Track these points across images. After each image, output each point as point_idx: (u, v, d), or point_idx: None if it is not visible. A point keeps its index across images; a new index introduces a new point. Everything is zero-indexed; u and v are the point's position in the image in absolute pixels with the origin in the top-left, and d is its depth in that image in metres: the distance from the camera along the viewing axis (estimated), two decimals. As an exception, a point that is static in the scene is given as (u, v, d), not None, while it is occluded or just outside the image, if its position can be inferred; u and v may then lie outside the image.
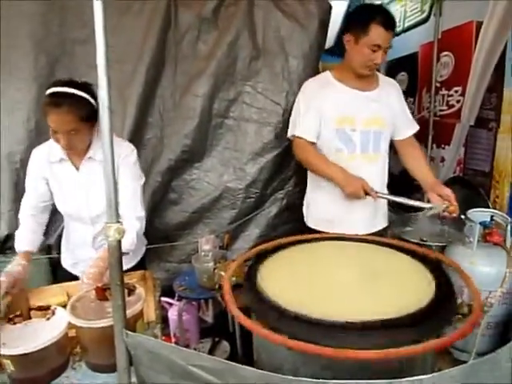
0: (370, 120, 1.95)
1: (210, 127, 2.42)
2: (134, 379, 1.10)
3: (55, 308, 1.30)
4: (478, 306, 1.18)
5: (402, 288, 1.27)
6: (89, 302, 1.29)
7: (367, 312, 1.11)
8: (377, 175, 2.02)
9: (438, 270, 1.38)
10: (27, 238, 1.70)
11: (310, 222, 2.15)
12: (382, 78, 2.06)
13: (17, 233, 1.74)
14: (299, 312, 1.11)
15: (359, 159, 1.97)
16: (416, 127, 2.12)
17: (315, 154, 1.97)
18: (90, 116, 1.57)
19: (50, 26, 2.19)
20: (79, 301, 1.30)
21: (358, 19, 1.85)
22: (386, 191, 2.08)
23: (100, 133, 1.59)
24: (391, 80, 2.14)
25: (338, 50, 3.56)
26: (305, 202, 2.22)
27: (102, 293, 1.30)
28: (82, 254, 1.83)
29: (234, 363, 0.92)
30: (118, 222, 1.03)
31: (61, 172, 1.73)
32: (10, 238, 2.27)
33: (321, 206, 2.09)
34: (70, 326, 1.23)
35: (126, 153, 1.73)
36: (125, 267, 1.83)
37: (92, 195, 1.71)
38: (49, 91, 1.56)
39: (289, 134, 2.06)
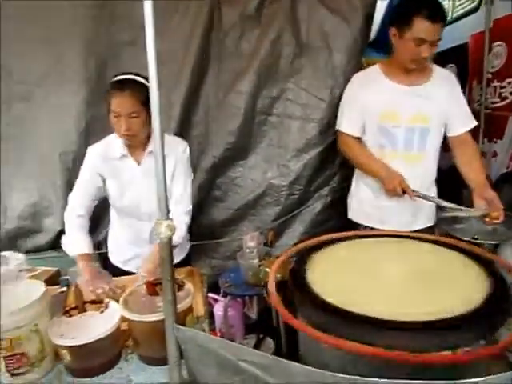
0: (415, 116, 1.88)
1: (254, 124, 2.43)
2: (184, 372, 1.13)
3: (108, 302, 1.34)
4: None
5: (455, 287, 1.23)
6: (140, 297, 1.33)
7: (419, 312, 1.08)
8: (420, 175, 1.95)
9: (492, 270, 1.33)
10: (84, 241, 1.75)
11: (351, 214, 2.16)
12: (437, 71, 1.95)
13: (70, 237, 1.77)
14: (348, 310, 1.10)
15: (401, 158, 1.92)
16: (472, 123, 1.99)
17: (360, 149, 1.95)
18: (149, 102, 1.63)
19: (100, 28, 2.27)
20: (131, 295, 1.34)
21: (402, 12, 1.77)
22: (432, 190, 2.04)
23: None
24: (447, 72, 2.04)
25: (380, 43, 3.50)
26: (349, 194, 2.21)
27: (153, 288, 1.34)
28: (136, 250, 1.89)
29: (282, 359, 0.92)
30: (169, 218, 1.06)
31: (121, 168, 1.79)
32: (62, 233, 2.38)
33: (363, 200, 2.08)
34: (123, 319, 1.27)
35: (182, 149, 1.82)
36: (172, 262, 1.89)
37: (152, 189, 1.73)
38: (112, 80, 1.69)
39: (336, 127, 2.05)
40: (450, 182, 2.16)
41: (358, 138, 1.97)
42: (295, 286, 1.30)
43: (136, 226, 1.87)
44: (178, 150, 1.78)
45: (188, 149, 1.86)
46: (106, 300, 1.35)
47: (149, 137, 1.76)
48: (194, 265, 2.37)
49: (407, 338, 1.04)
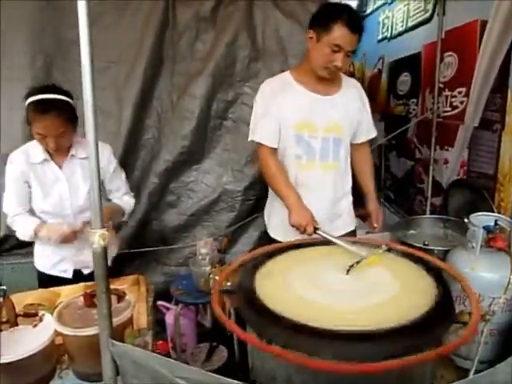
0: (329, 126, 1.86)
1: (208, 128, 2.39)
2: (121, 389, 1.07)
3: (43, 315, 1.27)
4: (476, 314, 1.14)
5: (400, 295, 1.23)
6: (76, 309, 1.26)
7: (364, 321, 1.07)
8: (335, 183, 1.94)
9: (436, 276, 1.34)
10: (31, 220, 1.76)
11: (271, 231, 2.06)
12: (346, 80, 1.95)
13: (19, 228, 1.77)
14: (292, 320, 1.07)
15: (318, 167, 1.89)
16: (373, 133, 2.07)
17: (275, 167, 1.86)
18: (73, 117, 1.69)
19: (47, 26, 2.18)
20: (66, 308, 1.27)
21: (323, 16, 1.72)
22: (349, 198, 2.07)
23: (79, 132, 1.72)
24: (354, 82, 2.03)
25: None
26: (265, 213, 2.12)
27: (90, 299, 1.27)
28: (62, 253, 1.85)
29: (219, 376, 0.88)
30: (103, 227, 1.00)
31: (44, 172, 1.79)
32: (7, 239, 2.26)
33: (279, 215, 1.95)
34: (57, 333, 1.20)
35: (108, 153, 1.89)
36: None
37: (74, 190, 1.82)
38: (31, 99, 1.63)
39: (249, 138, 1.93)
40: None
41: (275, 149, 1.89)
42: (243, 295, 1.27)
43: None
44: (103, 155, 1.81)
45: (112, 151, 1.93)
46: (41, 313, 1.27)
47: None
48: (146, 271, 2.30)
49: (351, 349, 1.03)
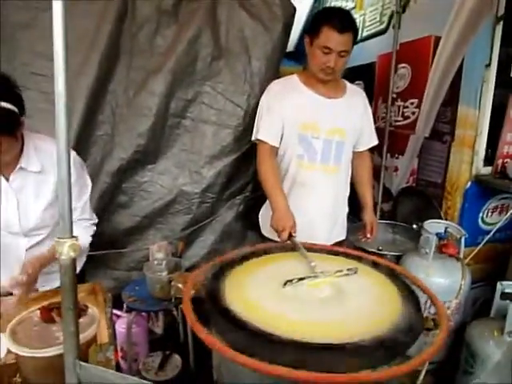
0: (333, 129, 1.90)
1: (166, 127, 2.28)
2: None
3: (-7, 332, 1.12)
4: (446, 321, 1.17)
5: (368, 303, 1.22)
6: (32, 326, 1.12)
7: (333, 331, 1.05)
8: (334, 188, 1.98)
9: (403, 285, 1.36)
10: None
11: (266, 230, 2.04)
12: (350, 87, 2.00)
13: None
14: (263, 329, 1.03)
15: (318, 169, 1.92)
16: (374, 141, 2.12)
17: (271, 168, 1.86)
18: (12, 126, 1.35)
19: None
20: (21, 324, 1.12)
21: (314, 20, 1.81)
22: (345, 207, 2.11)
23: (31, 138, 1.49)
24: (358, 89, 2.09)
25: (298, 55, 3.58)
26: (262, 209, 2.12)
27: (48, 314, 1.14)
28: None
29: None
30: (73, 237, 0.90)
31: None
32: None
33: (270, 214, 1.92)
34: (10, 351, 1.06)
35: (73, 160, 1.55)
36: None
37: (24, 208, 1.53)
38: None
39: (253, 138, 1.94)
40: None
41: (277, 148, 1.91)
42: (212, 305, 1.21)
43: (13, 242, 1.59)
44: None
45: (77, 158, 1.62)
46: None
47: (20, 152, 1.48)
48: (94, 276, 2.17)
49: (320, 360, 1.00)
